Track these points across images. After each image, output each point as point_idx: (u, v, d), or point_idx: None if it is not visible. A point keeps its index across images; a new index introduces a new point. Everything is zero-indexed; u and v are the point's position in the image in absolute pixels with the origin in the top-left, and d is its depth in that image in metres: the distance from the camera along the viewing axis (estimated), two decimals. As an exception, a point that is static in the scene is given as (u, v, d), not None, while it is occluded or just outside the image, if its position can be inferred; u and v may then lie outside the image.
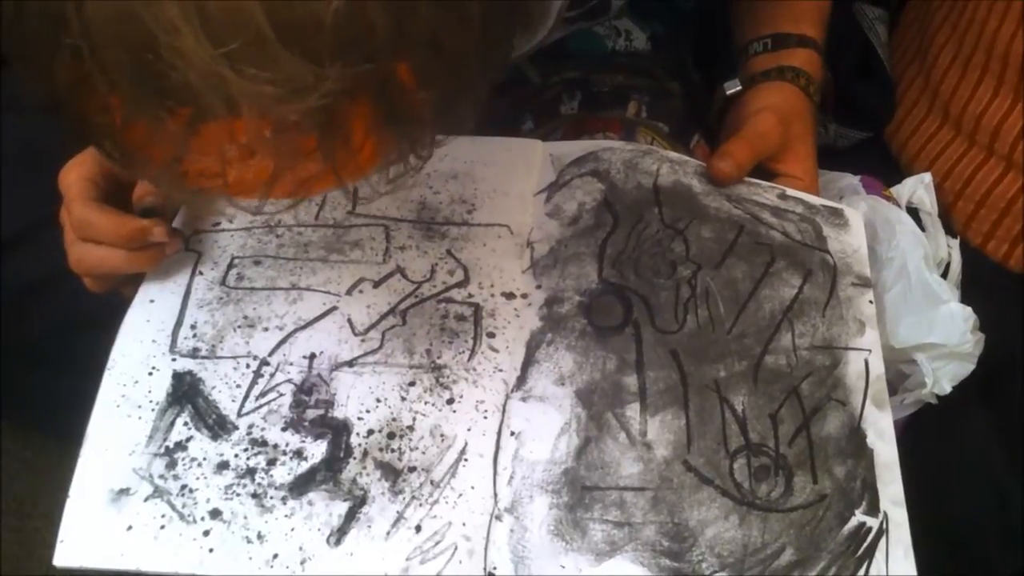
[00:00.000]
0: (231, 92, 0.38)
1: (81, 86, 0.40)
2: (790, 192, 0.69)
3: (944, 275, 0.77)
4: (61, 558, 0.54)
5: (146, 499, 0.55)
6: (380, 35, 0.39)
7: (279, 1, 0.37)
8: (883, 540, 0.56)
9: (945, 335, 0.70)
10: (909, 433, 0.72)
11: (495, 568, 0.55)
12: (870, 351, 0.63)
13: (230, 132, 0.41)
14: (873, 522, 0.57)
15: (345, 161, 0.44)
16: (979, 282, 0.77)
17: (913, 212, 0.78)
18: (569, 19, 0.74)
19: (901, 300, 0.71)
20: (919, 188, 0.80)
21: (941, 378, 0.70)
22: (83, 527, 0.54)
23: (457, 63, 0.43)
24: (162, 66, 0.37)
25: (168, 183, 0.44)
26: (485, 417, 0.59)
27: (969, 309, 0.71)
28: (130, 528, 0.54)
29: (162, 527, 0.54)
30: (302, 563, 0.54)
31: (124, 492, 0.55)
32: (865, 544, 0.56)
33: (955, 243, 0.79)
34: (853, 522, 0.57)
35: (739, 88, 0.75)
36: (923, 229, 0.77)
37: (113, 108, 0.41)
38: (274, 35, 0.37)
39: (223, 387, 0.59)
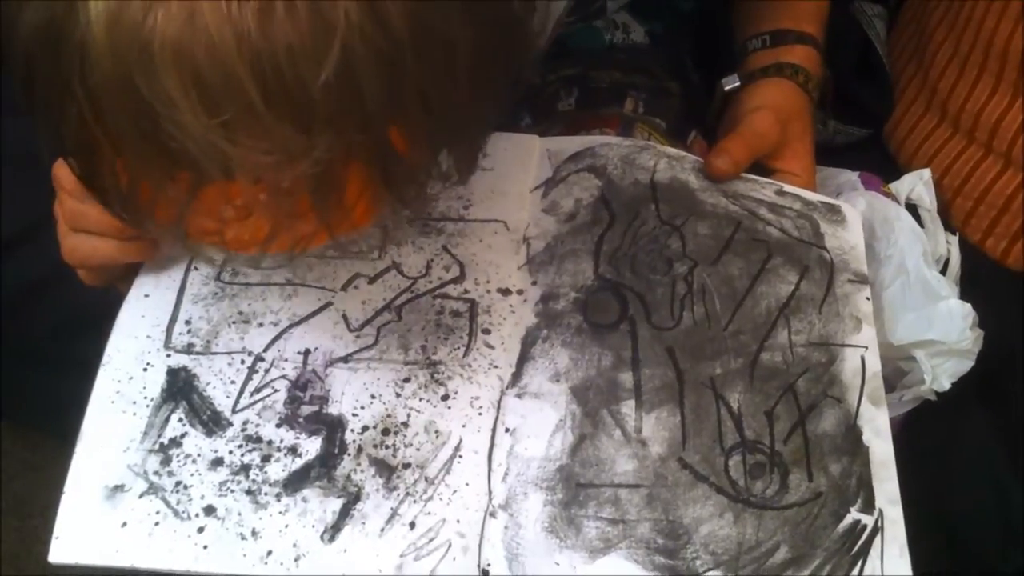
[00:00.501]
0: (227, 160, 0.39)
1: (88, 148, 0.42)
2: (787, 188, 0.69)
3: (943, 272, 0.76)
4: (56, 555, 0.53)
5: (141, 496, 0.55)
6: (370, 103, 0.40)
7: (270, 74, 0.38)
8: (878, 538, 0.56)
9: (944, 332, 0.69)
10: (908, 430, 0.72)
11: (489, 565, 0.54)
12: (867, 348, 0.62)
13: (227, 195, 0.42)
14: (868, 520, 0.57)
15: (339, 220, 0.45)
16: (978, 279, 0.76)
17: (912, 209, 0.78)
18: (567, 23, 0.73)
19: (900, 297, 0.71)
20: (918, 184, 0.79)
21: (940, 375, 0.69)
22: (78, 524, 0.54)
23: (448, 121, 0.44)
24: (162, 134, 0.39)
25: (172, 240, 0.45)
26: (480, 413, 0.59)
27: (968, 306, 0.70)
28: (125, 525, 0.54)
29: (156, 524, 0.54)
30: (296, 560, 0.54)
31: (119, 489, 0.55)
32: (860, 542, 0.56)
33: (954, 240, 0.78)
34: (848, 520, 0.56)
35: (738, 84, 0.75)
36: (922, 226, 0.76)
37: (119, 171, 0.42)
38: (264, 106, 0.38)
39: (218, 383, 0.59)
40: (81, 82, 0.39)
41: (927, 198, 0.79)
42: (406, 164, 0.44)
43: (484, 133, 0.49)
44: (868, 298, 0.64)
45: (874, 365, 0.62)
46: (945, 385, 0.69)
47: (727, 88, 0.75)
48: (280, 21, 0.37)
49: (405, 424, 0.58)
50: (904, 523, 0.57)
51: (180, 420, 0.57)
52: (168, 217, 0.43)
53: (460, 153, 0.48)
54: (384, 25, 0.39)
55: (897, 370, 0.71)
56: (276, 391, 0.59)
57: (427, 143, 0.44)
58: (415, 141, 0.43)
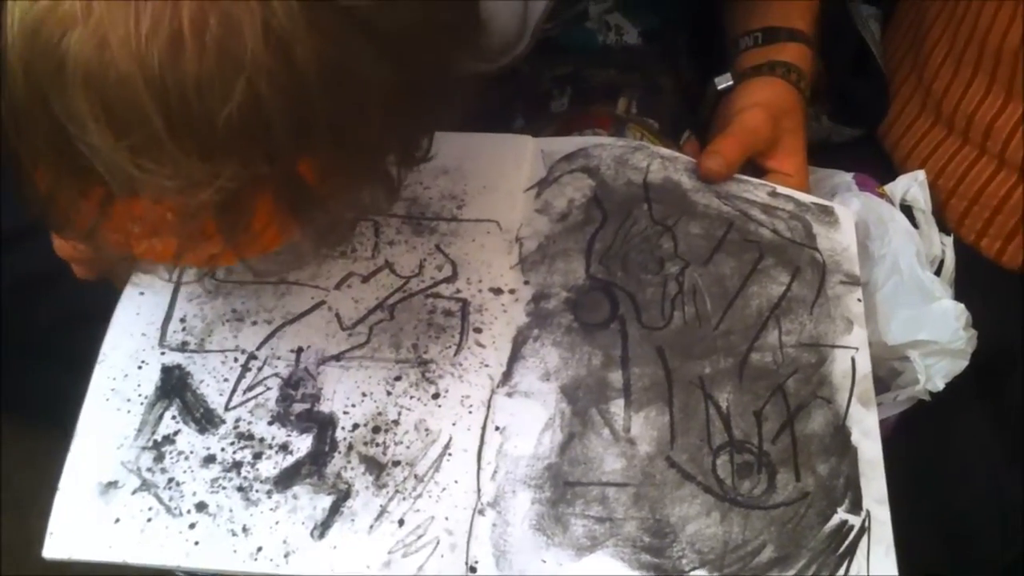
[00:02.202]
0: (132, 182, 0.39)
1: (14, 155, 0.42)
2: (780, 189, 0.67)
3: (937, 272, 0.75)
4: (51, 550, 0.53)
5: (134, 492, 0.54)
6: (276, 137, 0.39)
7: (175, 105, 0.38)
8: (865, 538, 0.55)
9: (938, 332, 0.68)
10: (904, 429, 0.71)
11: (477, 562, 0.54)
12: (857, 349, 0.61)
13: (135, 212, 0.42)
14: (855, 520, 0.56)
15: (247, 243, 0.45)
16: (973, 279, 0.75)
17: (907, 210, 0.76)
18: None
19: (894, 297, 0.69)
20: (913, 186, 0.78)
21: (934, 375, 0.68)
22: (72, 520, 0.54)
23: (363, 155, 0.44)
24: (74, 150, 0.39)
25: (90, 250, 0.45)
26: (470, 412, 0.58)
27: (961, 306, 0.69)
28: (118, 521, 0.54)
29: (149, 520, 0.54)
30: (286, 556, 0.53)
31: (112, 485, 0.55)
32: (847, 542, 0.55)
33: (948, 240, 0.76)
34: (835, 520, 0.55)
35: (731, 83, 0.73)
36: (916, 227, 0.75)
37: (39, 180, 0.43)
38: (168, 136, 0.38)
39: (211, 381, 0.58)
40: (4, 94, 0.39)
41: (921, 199, 0.78)
42: (317, 195, 0.43)
43: (408, 163, 0.49)
44: (859, 299, 0.63)
45: (864, 366, 0.60)
46: (939, 385, 0.68)
47: (720, 87, 0.73)
48: (188, 56, 0.37)
49: (396, 422, 0.58)
50: (901, 521, 0.56)
51: (174, 418, 0.57)
52: (83, 228, 0.44)
53: (379, 184, 0.47)
54: (291, 64, 0.38)
55: (891, 370, 0.70)
56: (268, 389, 0.58)
57: (340, 175, 0.44)
58: (327, 173, 0.43)
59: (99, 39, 0.37)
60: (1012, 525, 0.72)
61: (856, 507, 0.56)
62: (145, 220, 0.42)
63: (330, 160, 0.42)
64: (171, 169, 0.39)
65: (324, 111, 0.40)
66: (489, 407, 0.58)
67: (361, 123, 0.42)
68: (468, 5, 0.50)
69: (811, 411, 0.59)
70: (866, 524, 0.55)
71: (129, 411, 0.57)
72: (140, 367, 0.59)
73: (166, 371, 0.59)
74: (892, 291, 0.70)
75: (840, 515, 0.56)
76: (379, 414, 0.58)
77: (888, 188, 0.78)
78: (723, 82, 0.74)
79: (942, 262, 0.76)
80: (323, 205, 0.44)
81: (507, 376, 0.60)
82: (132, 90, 0.37)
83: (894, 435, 0.70)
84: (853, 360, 0.61)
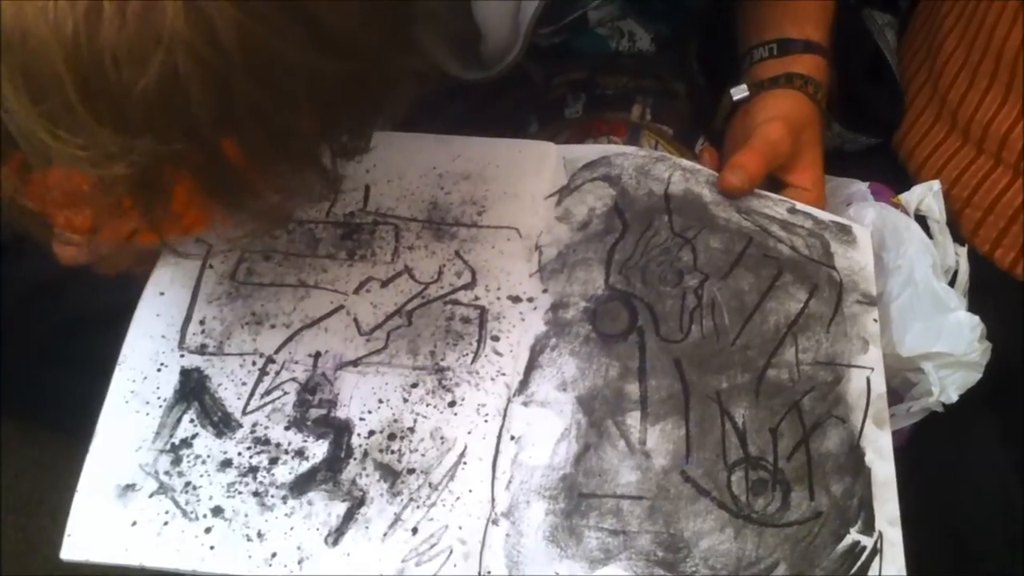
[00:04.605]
0: (46, 149, 0.37)
1: None
2: (799, 206, 0.65)
3: (952, 283, 0.73)
4: (68, 552, 0.52)
5: (151, 495, 0.53)
6: (195, 112, 0.37)
7: (90, 74, 0.36)
8: (877, 559, 0.53)
9: (952, 344, 0.66)
10: (916, 441, 0.69)
11: (490, 572, 0.52)
12: (872, 369, 0.59)
13: (51, 181, 0.41)
14: (868, 541, 0.54)
15: (168, 223, 0.43)
16: (987, 290, 0.73)
17: (921, 220, 0.74)
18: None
19: (908, 308, 0.67)
20: (928, 196, 0.75)
21: (948, 387, 0.66)
22: (90, 522, 0.52)
23: (293, 142, 0.41)
24: None
25: (17, 217, 0.44)
26: (486, 421, 0.56)
27: (976, 318, 0.67)
28: (135, 524, 0.52)
29: (165, 523, 0.52)
30: (300, 563, 0.52)
31: (130, 488, 0.53)
32: (859, 563, 0.53)
33: (963, 251, 0.74)
34: (848, 540, 0.54)
35: (746, 94, 0.71)
36: (931, 237, 0.73)
37: None
38: (82, 105, 0.37)
39: (229, 384, 0.56)
40: None
41: (936, 209, 0.75)
42: (242, 178, 0.41)
43: (345, 155, 0.46)
44: (876, 319, 0.61)
45: (879, 387, 0.58)
46: (953, 397, 0.66)
47: (736, 98, 0.71)
48: (106, 25, 0.36)
49: (411, 430, 0.56)
50: (912, 534, 0.54)
51: (191, 421, 0.55)
52: (7, 193, 0.42)
53: (312, 172, 0.45)
54: (213, 41, 0.36)
55: (905, 382, 0.68)
56: (286, 393, 0.56)
57: (265, 160, 0.41)
58: (253, 156, 0.41)
59: (18, 4, 0.36)
60: (1021, 538, 0.70)
61: (869, 528, 0.54)
62: (61, 190, 0.41)
63: (254, 143, 0.40)
64: (85, 139, 0.37)
65: (246, 93, 0.38)
66: (505, 416, 0.56)
67: (287, 109, 0.39)
68: (408, 4, 0.47)
69: (826, 430, 0.57)
70: (878, 546, 0.54)
71: (148, 414, 0.55)
72: (159, 369, 0.57)
73: (185, 374, 0.57)
74: (907, 302, 0.67)
75: (853, 535, 0.54)
76: (395, 421, 0.56)
77: (903, 198, 0.76)
78: (739, 93, 0.71)
79: (956, 273, 0.74)
80: (250, 189, 0.42)
81: (524, 385, 0.58)
82: (47, 57, 0.36)
83: (907, 446, 0.68)
84: (868, 380, 0.58)
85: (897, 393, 0.68)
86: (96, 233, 0.44)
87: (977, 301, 0.70)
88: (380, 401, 0.56)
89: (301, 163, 0.43)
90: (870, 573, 0.53)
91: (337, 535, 0.52)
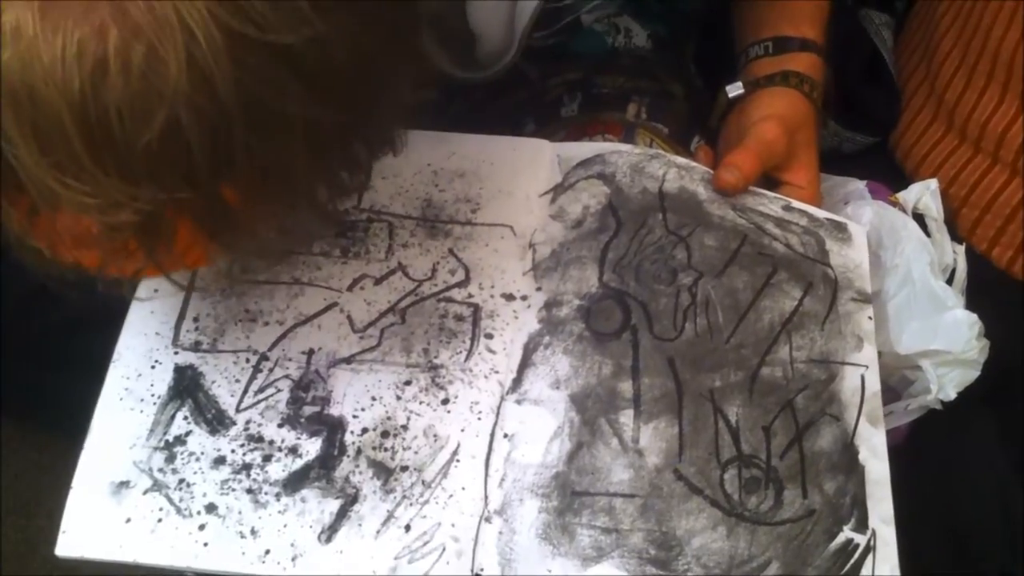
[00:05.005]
0: (55, 197, 0.39)
1: None
2: (794, 204, 0.65)
3: (949, 281, 0.72)
4: (63, 548, 0.52)
5: (145, 492, 0.53)
6: (196, 162, 0.39)
7: (96, 128, 0.37)
8: (870, 557, 0.53)
9: (950, 342, 0.65)
10: (914, 439, 0.69)
11: (482, 570, 0.52)
12: (867, 367, 0.58)
13: (59, 224, 0.42)
14: (861, 539, 0.53)
15: (170, 262, 0.44)
16: (984, 288, 0.72)
17: (919, 218, 0.73)
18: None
19: (906, 306, 0.67)
20: (925, 194, 0.75)
21: (946, 384, 0.66)
22: (85, 518, 0.52)
23: (284, 185, 0.42)
24: (3, 160, 0.39)
25: (26, 256, 0.45)
26: (479, 418, 0.56)
27: (974, 316, 0.66)
28: (129, 520, 0.52)
29: (159, 520, 0.52)
30: (293, 559, 0.51)
31: (124, 485, 0.53)
32: (851, 561, 0.53)
33: (960, 249, 0.74)
34: (841, 538, 0.53)
35: (742, 91, 0.70)
36: (928, 235, 0.72)
37: None
38: (88, 158, 0.38)
39: (223, 381, 0.56)
40: None
41: (934, 208, 0.75)
42: (241, 221, 0.42)
43: (340, 194, 0.47)
44: (870, 317, 0.61)
45: (873, 385, 0.58)
46: (951, 395, 0.66)
47: (731, 95, 0.70)
48: (111, 83, 0.37)
49: (404, 427, 0.56)
50: (910, 532, 0.54)
51: (185, 418, 0.55)
52: (15, 233, 0.43)
53: (309, 213, 0.46)
54: (213, 96, 0.38)
55: (903, 379, 0.67)
56: (279, 391, 0.56)
57: (264, 204, 0.43)
58: (250, 201, 0.42)
59: (26, 60, 0.37)
60: (1019, 536, 0.69)
61: (862, 526, 0.54)
62: (69, 233, 0.42)
63: (253, 189, 0.41)
64: (92, 188, 0.38)
65: (245, 143, 0.39)
66: (498, 414, 0.56)
67: (285, 156, 0.41)
68: (406, 49, 0.48)
69: (820, 428, 0.56)
70: (871, 544, 0.53)
71: (142, 411, 0.55)
72: (153, 367, 0.57)
73: (179, 371, 0.57)
74: (905, 300, 0.67)
75: (846, 533, 0.53)
76: (388, 418, 0.56)
77: (901, 196, 0.75)
78: (734, 90, 0.70)
79: (953, 271, 0.73)
80: (248, 230, 0.43)
81: (517, 383, 0.57)
82: (55, 113, 0.37)
83: (906, 444, 0.68)
84: (863, 378, 0.58)
85: (895, 391, 0.67)
86: (104, 271, 0.45)
87: (975, 299, 0.70)
88: (373, 398, 0.56)
89: (298, 205, 0.45)
90: (863, 571, 0.53)
91: (330, 532, 0.52)
